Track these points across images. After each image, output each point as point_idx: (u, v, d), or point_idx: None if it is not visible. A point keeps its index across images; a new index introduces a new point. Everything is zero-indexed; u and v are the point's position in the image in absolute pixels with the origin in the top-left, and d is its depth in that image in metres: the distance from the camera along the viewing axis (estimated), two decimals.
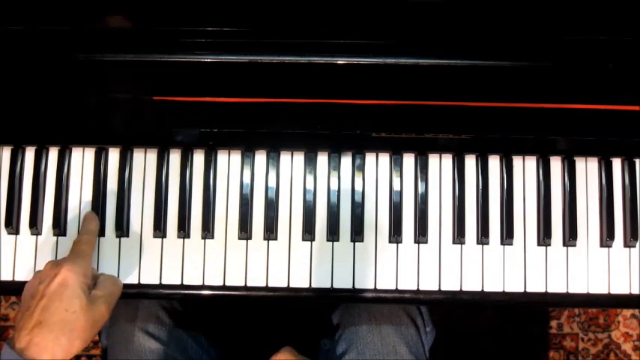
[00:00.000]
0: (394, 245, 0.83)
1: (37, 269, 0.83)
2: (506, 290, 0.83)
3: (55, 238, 0.84)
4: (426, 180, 0.84)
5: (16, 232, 0.84)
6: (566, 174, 0.84)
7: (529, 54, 0.81)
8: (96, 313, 0.72)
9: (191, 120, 0.82)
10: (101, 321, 0.73)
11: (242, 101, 0.82)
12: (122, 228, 0.83)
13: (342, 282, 0.83)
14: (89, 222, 0.82)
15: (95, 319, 0.72)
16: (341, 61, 0.81)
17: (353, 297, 0.83)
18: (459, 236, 0.83)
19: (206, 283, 0.83)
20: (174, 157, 0.84)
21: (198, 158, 0.85)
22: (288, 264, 0.83)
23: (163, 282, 0.83)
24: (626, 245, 0.84)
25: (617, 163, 0.85)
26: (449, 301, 0.83)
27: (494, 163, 0.84)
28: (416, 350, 0.92)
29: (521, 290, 0.83)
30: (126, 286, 0.80)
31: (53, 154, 0.85)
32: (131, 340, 0.92)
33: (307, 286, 0.83)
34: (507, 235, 0.83)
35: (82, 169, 0.85)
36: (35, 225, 0.83)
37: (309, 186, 0.84)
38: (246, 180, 0.84)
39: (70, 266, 0.72)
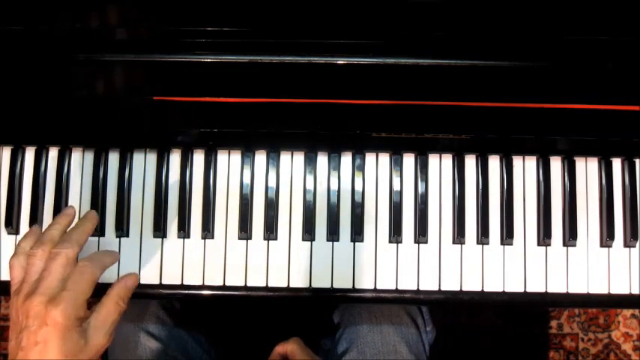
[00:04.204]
0: (394, 245, 0.83)
1: None
2: (506, 290, 0.83)
3: None
4: (426, 180, 0.84)
5: (16, 232, 0.84)
6: (566, 174, 0.84)
7: (529, 54, 0.81)
8: (95, 348, 0.67)
9: (191, 120, 0.82)
10: (103, 348, 0.69)
11: (242, 101, 0.82)
12: (122, 228, 0.83)
13: (342, 282, 0.83)
14: (86, 227, 0.73)
15: (97, 351, 0.68)
16: (341, 61, 0.81)
17: (353, 297, 0.83)
18: (459, 236, 0.83)
19: (206, 283, 0.83)
20: (174, 157, 0.84)
21: (198, 158, 0.85)
22: (288, 264, 0.83)
23: (163, 282, 0.83)
24: (626, 245, 0.84)
25: (617, 163, 0.85)
26: (449, 301, 0.83)
27: (494, 163, 0.84)
28: (416, 349, 0.92)
29: (521, 290, 0.83)
30: None
31: (53, 154, 0.85)
32: (131, 340, 0.92)
33: (307, 286, 0.83)
34: (507, 235, 0.83)
35: (82, 169, 0.85)
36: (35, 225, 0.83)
37: (309, 186, 0.84)
38: (246, 180, 0.84)
39: (62, 307, 0.64)
